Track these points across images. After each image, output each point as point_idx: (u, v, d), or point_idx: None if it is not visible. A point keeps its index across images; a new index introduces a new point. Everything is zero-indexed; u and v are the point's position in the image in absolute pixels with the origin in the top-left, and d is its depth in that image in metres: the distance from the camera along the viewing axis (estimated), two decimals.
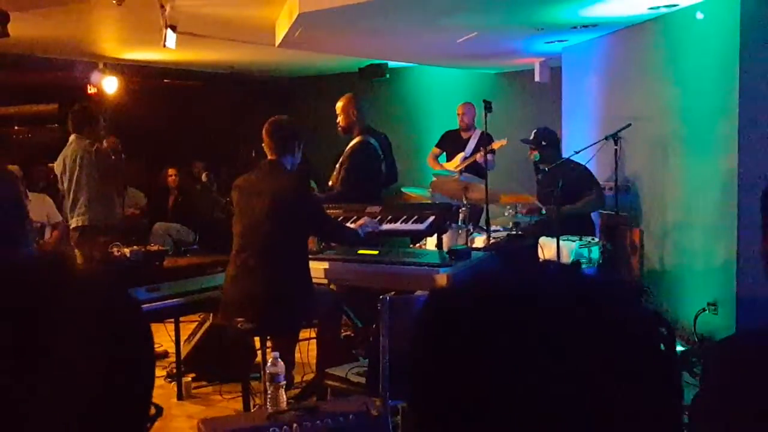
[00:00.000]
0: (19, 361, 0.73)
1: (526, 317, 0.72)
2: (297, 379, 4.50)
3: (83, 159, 5.26)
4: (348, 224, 4.34)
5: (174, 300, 4.06)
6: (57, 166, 5.48)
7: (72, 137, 5.37)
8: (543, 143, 5.69)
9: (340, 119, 5.16)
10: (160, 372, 4.79)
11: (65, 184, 5.40)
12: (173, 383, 4.64)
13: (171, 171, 8.32)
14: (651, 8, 5.12)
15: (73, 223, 5.35)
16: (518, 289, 0.76)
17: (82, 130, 5.34)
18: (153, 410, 0.86)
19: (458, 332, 0.74)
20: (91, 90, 8.18)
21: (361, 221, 4.25)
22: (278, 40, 5.97)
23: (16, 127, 9.24)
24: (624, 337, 0.73)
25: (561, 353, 0.70)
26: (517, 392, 0.69)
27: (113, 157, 5.32)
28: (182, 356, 4.67)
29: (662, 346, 0.76)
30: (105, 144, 5.43)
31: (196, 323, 4.98)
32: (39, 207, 6.09)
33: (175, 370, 4.65)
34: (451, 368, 0.73)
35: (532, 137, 5.75)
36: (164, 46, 5.52)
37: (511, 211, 5.47)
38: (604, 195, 5.61)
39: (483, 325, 0.73)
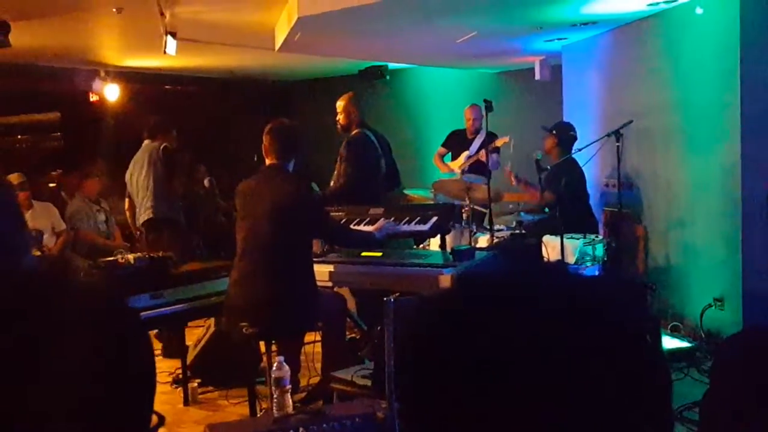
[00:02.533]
0: (16, 367, 0.72)
1: (509, 317, 0.72)
2: (303, 382, 4.49)
3: (151, 156, 5.59)
4: (362, 227, 4.33)
5: (179, 306, 4.06)
6: (129, 172, 5.75)
7: (145, 142, 5.70)
8: (554, 132, 5.71)
9: (340, 117, 5.25)
10: (165, 378, 4.79)
11: (135, 184, 5.67)
12: (179, 389, 4.64)
13: None
14: (650, 5, 5.11)
15: (142, 218, 5.62)
16: (500, 290, 0.76)
17: (155, 137, 5.66)
18: (156, 419, 0.86)
19: (441, 335, 0.74)
20: (93, 98, 8.19)
21: (380, 223, 4.24)
22: (278, 44, 5.98)
23: (18, 136, 9.26)
24: (610, 335, 0.73)
25: (544, 352, 0.70)
26: (504, 392, 0.69)
27: (177, 156, 5.65)
28: (188, 362, 4.67)
29: (645, 341, 0.76)
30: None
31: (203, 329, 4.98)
32: (44, 215, 6.11)
33: (181, 376, 4.65)
34: (436, 371, 0.73)
35: (551, 126, 5.77)
36: (165, 52, 5.53)
37: (514, 208, 5.46)
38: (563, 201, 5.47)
39: (467, 327, 0.73)
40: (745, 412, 1.15)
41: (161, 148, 5.58)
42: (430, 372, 0.73)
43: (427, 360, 0.74)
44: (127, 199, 5.89)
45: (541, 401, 0.69)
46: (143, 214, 5.64)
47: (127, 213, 5.94)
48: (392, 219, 4.35)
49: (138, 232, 5.83)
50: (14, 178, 5.72)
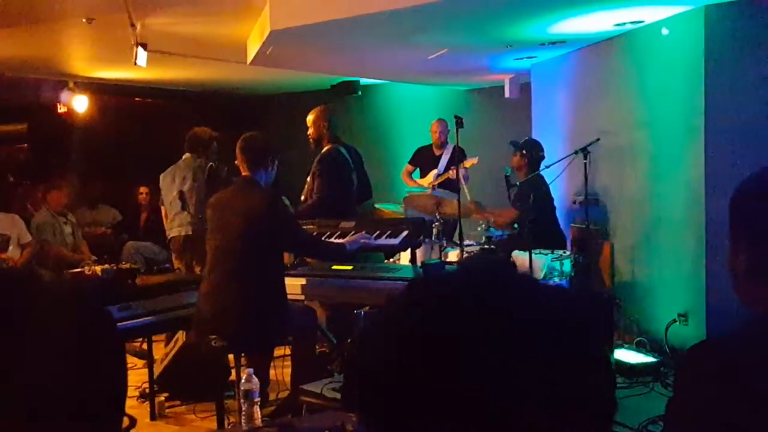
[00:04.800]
0: None
1: (459, 321, 0.72)
2: (272, 396, 4.47)
3: (196, 174, 5.51)
4: (333, 240, 4.34)
5: (146, 318, 4.02)
6: (164, 178, 5.66)
7: (186, 155, 5.63)
8: (523, 151, 5.78)
9: (310, 131, 5.26)
10: (132, 392, 4.73)
11: (170, 196, 5.57)
12: (146, 403, 4.58)
13: (142, 189, 8.26)
14: (617, 24, 5.22)
15: (175, 232, 5.52)
16: (451, 293, 0.76)
17: (196, 150, 5.59)
18: (127, 421, 0.86)
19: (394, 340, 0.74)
20: (61, 109, 8.11)
21: (355, 236, 4.24)
22: (250, 57, 5.98)
23: None
24: (563, 341, 0.74)
25: (494, 353, 0.70)
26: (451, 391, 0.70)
27: (220, 173, 5.55)
28: (155, 375, 4.61)
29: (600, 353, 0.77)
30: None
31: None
32: (9, 227, 6.01)
33: (147, 390, 4.59)
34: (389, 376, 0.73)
35: (521, 143, 5.85)
36: (135, 64, 5.51)
37: (484, 225, 5.52)
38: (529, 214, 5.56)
39: (416, 332, 0.73)
40: (704, 421, 1.18)
41: (208, 167, 5.47)
42: (382, 380, 0.74)
43: (379, 369, 0.74)
44: (162, 207, 5.75)
45: (490, 404, 0.69)
46: (178, 229, 5.50)
47: (165, 220, 5.75)
48: (363, 232, 4.36)
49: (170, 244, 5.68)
50: None
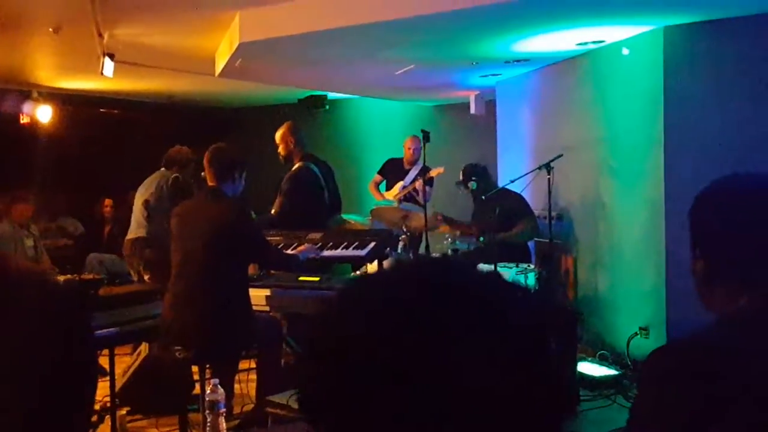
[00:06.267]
0: None
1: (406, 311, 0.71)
2: (236, 410, 4.43)
3: (159, 183, 5.60)
4: (288, 251, 4.34)
5: (109, 329, 3.96)
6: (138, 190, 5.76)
7: (161, 169, 5.71)
8: (473, 178, 5.86)
9: (280, 148, 5.25)
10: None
11: (138, 204, 5.66)
12: (107, 417, 4.51)
13: (107, 201, 8.17)
14: (579, 44, 5.34)
15: (129, 236, 5.62)
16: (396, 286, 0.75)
17: (171, 168, 5.67)
18: (96, 417, 0.86)
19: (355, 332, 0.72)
20: (24, 120, 7.98)
21: (301, 247, 4.28)
22: (218, 69, 5.98)
23: None
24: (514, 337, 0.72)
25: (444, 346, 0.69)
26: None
27: (186, 188, 5.67)
28: (116, 388, 4.54)
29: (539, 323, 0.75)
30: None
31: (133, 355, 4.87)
32: None
33: (109, 404, 4.51)
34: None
35: (460, 177, 5.93)
36: (102, 74, 5.47)
37: (449, 239, 5.57)
38: (537, 224, 5.77)
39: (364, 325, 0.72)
40: (665, 420, 1.22)
41: (172, 177, 5.58)
42: (332, 386, 0.72)
43: (328, 373, 0.72)
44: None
45: (444, 401, 0.68)
46: (134, 232, 5.58)
47: None
48: (330, 244, 4.38)
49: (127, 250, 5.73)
50: None
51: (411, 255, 5.28)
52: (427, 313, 0.70)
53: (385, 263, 4.51)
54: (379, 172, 7.26)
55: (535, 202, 6.11)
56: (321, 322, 0.76)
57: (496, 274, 0.80)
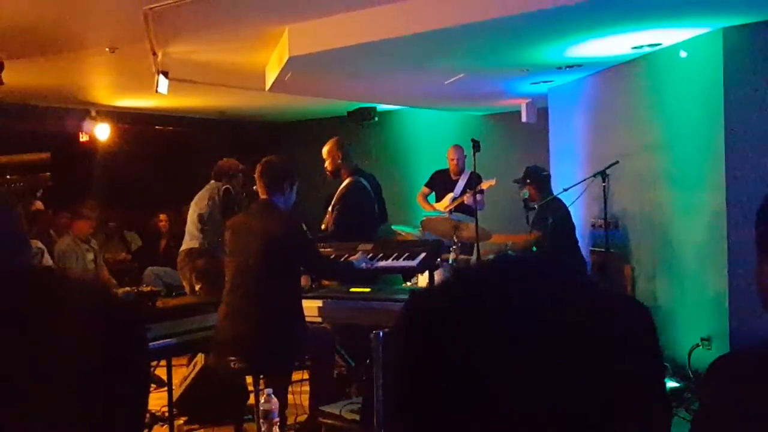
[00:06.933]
0: (16, 363, 0.73)
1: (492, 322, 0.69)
2: (290, 420, 4.44)
3: (212, 194, 5.74)
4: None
5: (166, 341, 4.02)
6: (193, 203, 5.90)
7: (211, 182, 5.85)
8: (528, 180, 5.78)
9: (327, 163, 5.22)
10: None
11: (192, 218, 5.78)
12: (165, 426, 4.57)
13: (162, 216, 8.34)
14: (635, 48, 5.23)
15: (183, 247, 5.76)
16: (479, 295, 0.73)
17: (220, 179, 5.82)
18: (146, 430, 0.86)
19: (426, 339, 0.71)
20: (83, 138, 8.23)
21: (355, 256, 4.26)
22: (268, 84, 6.05)
23: (8, 176, 9.24)
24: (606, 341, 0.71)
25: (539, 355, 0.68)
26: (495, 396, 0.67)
27: (237, 198, 5.82)
28: (174, 398, 4.60)
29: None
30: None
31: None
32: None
33: (167, 414, 4.58)
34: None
35: (522, 175, 5.85)
36: (156, 91, 5.59)
37: (503, 249, 5.51)
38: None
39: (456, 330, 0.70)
40: (731, 426, 1.16)
41: (223, 188, 5.71)
42: (419, 380, 0.71)
43: (416, 368, 0.71)
44: None
45: (531, 411, 0.67)
46: (188, 243, 5.71)
47: None
48: (381, 255, 4.36)
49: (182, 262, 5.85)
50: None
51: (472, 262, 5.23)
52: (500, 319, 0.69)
53: (437, 274, 4.48)
54: (427, 185, 7.23)
55: (590, 210, 6.00)
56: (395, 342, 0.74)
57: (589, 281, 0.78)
